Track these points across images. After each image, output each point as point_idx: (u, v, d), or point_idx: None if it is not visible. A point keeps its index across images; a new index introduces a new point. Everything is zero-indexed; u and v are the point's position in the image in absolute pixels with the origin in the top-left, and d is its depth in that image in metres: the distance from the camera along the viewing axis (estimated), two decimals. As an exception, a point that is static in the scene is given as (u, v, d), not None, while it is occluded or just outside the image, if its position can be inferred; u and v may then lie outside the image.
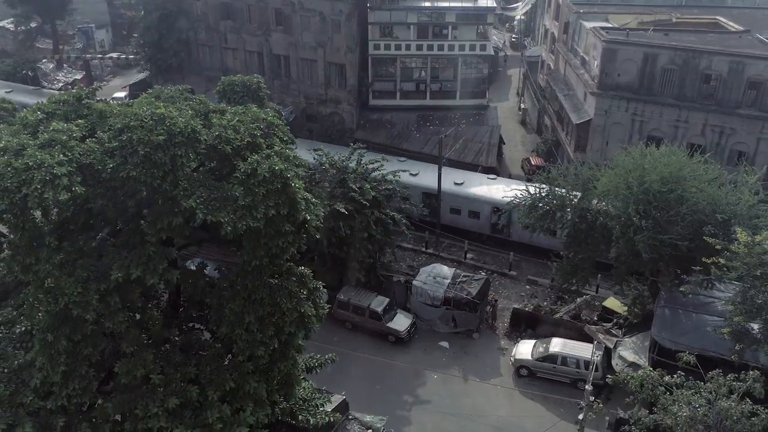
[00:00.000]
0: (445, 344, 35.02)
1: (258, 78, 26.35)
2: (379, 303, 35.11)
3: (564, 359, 31.58)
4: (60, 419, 19.57)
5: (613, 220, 27.62)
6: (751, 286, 21.98)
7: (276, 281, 21.36)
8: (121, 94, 58.65)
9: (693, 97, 40.28)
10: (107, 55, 74.13)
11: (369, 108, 53.35)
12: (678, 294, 28.37)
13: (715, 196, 26.18)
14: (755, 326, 22.46)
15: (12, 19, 70.90)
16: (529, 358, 32.40)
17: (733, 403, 19.90)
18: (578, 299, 36.09)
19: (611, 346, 31.73)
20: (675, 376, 21.25)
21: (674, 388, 20.95)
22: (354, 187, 34.75)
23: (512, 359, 33.11)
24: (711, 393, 20.51)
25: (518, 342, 34.11)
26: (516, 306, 36.56)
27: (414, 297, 36.03)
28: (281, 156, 19.81)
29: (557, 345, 32.17)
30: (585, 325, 33.62)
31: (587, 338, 32.53)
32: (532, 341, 33.50)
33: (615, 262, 30.66)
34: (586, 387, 23.44)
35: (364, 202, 34.38)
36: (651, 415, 21.05)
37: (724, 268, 22.81)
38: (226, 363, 21.41)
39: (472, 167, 46.98)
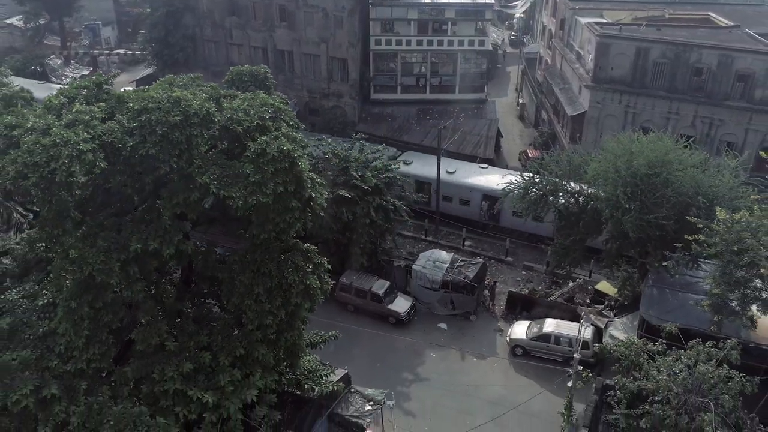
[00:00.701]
0: (443, 326, 36.43)
1: (265, 68, 27.71)
2: (380, 286, 36.53)
3: (557, 338, 32.97)
4: (82, 382, 20.93)
5: (603, 203, 29.02)
6: (729, 261, 23.36)
7: (283, 256, 22.75)
8: (128, 89, 59.97)
9: (684, 89, 41.69)
10: (114, 51, 75.52)
11: (370, 102, 54.80)
12: (665, 274, 29.71)
13: (698, 179, 27.57)
14: (733, 299, 23.84)
15: (21, 16, 72.48)
16: (524, 337, 33.81)
17: (710, 368, 21.26)
18: (571, 283, 37.46)
19: (602, 326, 33.12)
20: (657, 343, 22.64)
21: (656, 355, 22.34)
22: (356, 174, 36.18)
23: (508, 339, 34.52)
24: (690, 359, 21.88)
25: (514, 323, 35.50)
26: (512, 289, 37.94)
27: (414, 281, 37.44)
28: (288, 137, 21.21)
29: (551, 325, 33.58)
30: (577, 306, 34.98)
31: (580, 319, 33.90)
32: (527, 322, 34.90)
33: (605, 245, 32.06)
34: (575, 355, 24.82)
35: (366, 188, 35.80)
36: (635, 382, 22.39)
37: (705, 245, 24.17)
38: (236, 332, 22.78)
39: (470, 159, 48.39)
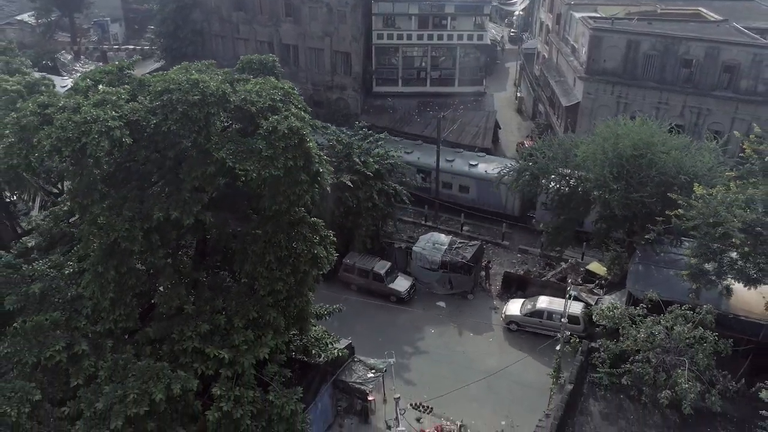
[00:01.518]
0: (442, 304, 38.29)
1: (273, 57, 29.68)
2: (381, 266, 38.39)
3: (549, 314, 34.77)
4: (108, 341, 22.79)
5: (591, 183, 30.84)
6: (706, 234, 25.14)
7: (292, 228, 24.56)
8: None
9: (673, 80, 43.48)
10: (123, 47, 77.41)
11: (373, 94, 56.67)
12: (651, 252, 31.52)
13: (681, 159, 29.37)
14: (710, 269, 25.62)
15: (32, 12, 74.40)
16: (518, 313, 35.65)
17: (686, 329, 23.07)
18: (564, 264, 39.28)
19: (593, 304, 34.89)
20: (638, 308, 24.48)
21: (637, 318, 24.16)
22: (358, 160, 38.02)
23: (503, 315, 36.37)
24: (668, 322, 23.69)
25: (509, 301, 37.33)
26: (507, 270, 39.78)
27: (414, 261, 39.30)
28: (297, 117, 23.04)
29: (543, 302, 35.42)
30: (568, 283, 36.80)
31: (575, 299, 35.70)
32: (521, 300, 36.74)
33: (594, 225, 33.88)
34: (563, 320, 26.63)
35: (369, 174, 37.65)
36: (617, 344, 24.22)
37: (684, 219, 25.95)
38: (249, 299, 24.61)
39: (469, 149, 50.18)
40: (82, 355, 21.85)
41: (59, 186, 34.97)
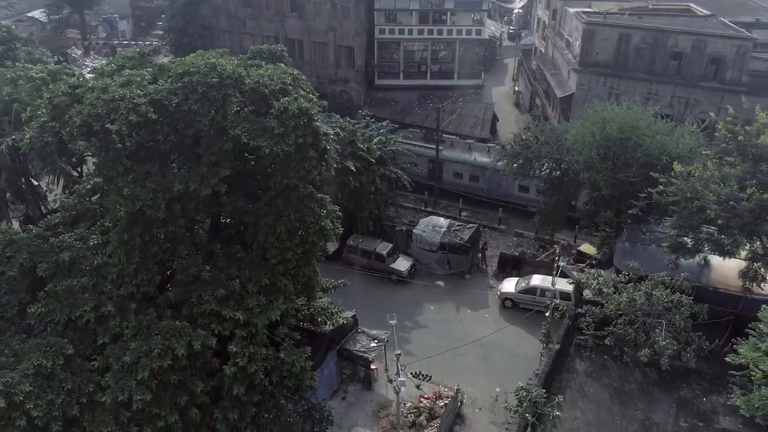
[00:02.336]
0: (440, 283, 40.27)
1: (282, 47, 31.68)
2: (383, 247, 40.41)
3: (542, 291, 36.65)
4: (132, 304, 24.79)
5: (581, 165, 32.84)
6: (684, 208, 27.12)
7: (301, 202, 26.53)
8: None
9: (662, 72, 45.46)
10: (131, 43, 79.48)
11: (375, 87, 58.75)
12: (637, 231, 33.52)
13: (664, 142, 31.38)
14: (689, 240, 27.62)
15: (43, 9, 76.50)
16: (513, 291, 37.63)
17: (664, 294, 25.06)
18: (556, 246, 41.24)
19: (584, 281, 36.84)
20: (620, 275, 26.48)
21: (620, 285, 26.16)
22: (362, 146, 40.03)
23: (498, 293, 38.35)
24: (649, 288, 25.67)
25: (504, 280, 39.31)
26: (503, 251, 41.78)
27: (414, 243, 41.31)
28: (306, 98, 25.05)
29: (537, 279, 37.37)
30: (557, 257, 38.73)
31: (563, 275, 37.66)
32: (516, 278, 38.72)
33: (585, 206, 35.89)
34: (552, 287, 28.60)
35: (372, 160, 39.66)
36: (602, 309, 26.22)
37: (665, 194, 27.93)
38: (261, 267, 26.58)
39: (468, 140, 52.18)
40: (108, 315, 23.85)
41: (79, 170, 37.06)
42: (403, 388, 23.31)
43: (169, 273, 26.79)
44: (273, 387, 25.10)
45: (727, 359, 22.86)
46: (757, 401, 21.55)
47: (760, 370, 21.51)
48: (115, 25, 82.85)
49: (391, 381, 23.64)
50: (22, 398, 20.98)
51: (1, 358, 22.41)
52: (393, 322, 24.95)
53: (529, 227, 44.68)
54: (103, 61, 73.05)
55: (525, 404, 21.07)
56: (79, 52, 75.78)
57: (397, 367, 23.92)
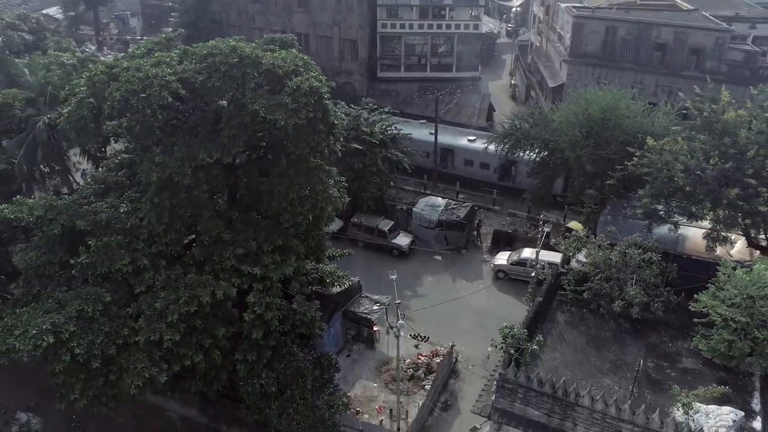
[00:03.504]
0: (438, 257, 43.27)
1: (292, 36, 34.74)
2: (385, 224, 43.44)
3: (532, 263, 39.64)
4: (162, 261, 27.82)
5: (565, 143, 35.86)
6: (656, 178, 30.09)
7: (311, 172, 29.52)
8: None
9: (646, 62, 48.49)
10: (143, 38, 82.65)
11: (377, 79, 61.82)
12: (618, 206, 36.52)
13: (640, 121, 34.39)
14: (661, 209, 30.61)
15: (59, 6, 79.68)
16: (505, 263, 40.62)
17: (636, 253, 27.99)
18: (542, 222, 44.26)
19: (571, 254, 39.78)
20: (597, 237, 29.43)
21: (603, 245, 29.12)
22: (365, 130, 43.06)
23: (492, 265, 41.35)
24: (623, 248, 28.60)
25: (497, 254, 42.29)
26: (497, 228, 44.77)
27: (414, 221, 44.34)
28: (317, 78, 28.05)
29: (527, 252, 40.33)
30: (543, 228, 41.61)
31: (552, 249, 40.63)
32: (509, 252, 41.70)
33: (567, 184, 38.89)
34: (536, 250, 31.55)
35: (374, 142, 42.68)
36: (582, 267, 29.18)
37: (639, 166, 30.91)
38: (275, 230, 29.56)
39: (465, 128, 55.15)
40: (143, 268, 26.91)
41: (103, 149, 40.06)
42: (402, 332, 26.26)
43: (193, 235, 29.84)
44: (286, 335, 28.09)
45: (690, 307, 25.74)
46: (715, 344, 24.51)
47: (718, 314, 24.42)
48: (127, 21, 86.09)
49: (391, 327, 26.52)
50: (67, 336, 24.03)
51: (47, 304, 25.47)
52: (393, 276, 27.85)
53: (522, 208, 47.63)
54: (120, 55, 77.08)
55: (508, 340, 23.91)
56: (93, 48, 78.80)
57: (397, 314, 26.88)
